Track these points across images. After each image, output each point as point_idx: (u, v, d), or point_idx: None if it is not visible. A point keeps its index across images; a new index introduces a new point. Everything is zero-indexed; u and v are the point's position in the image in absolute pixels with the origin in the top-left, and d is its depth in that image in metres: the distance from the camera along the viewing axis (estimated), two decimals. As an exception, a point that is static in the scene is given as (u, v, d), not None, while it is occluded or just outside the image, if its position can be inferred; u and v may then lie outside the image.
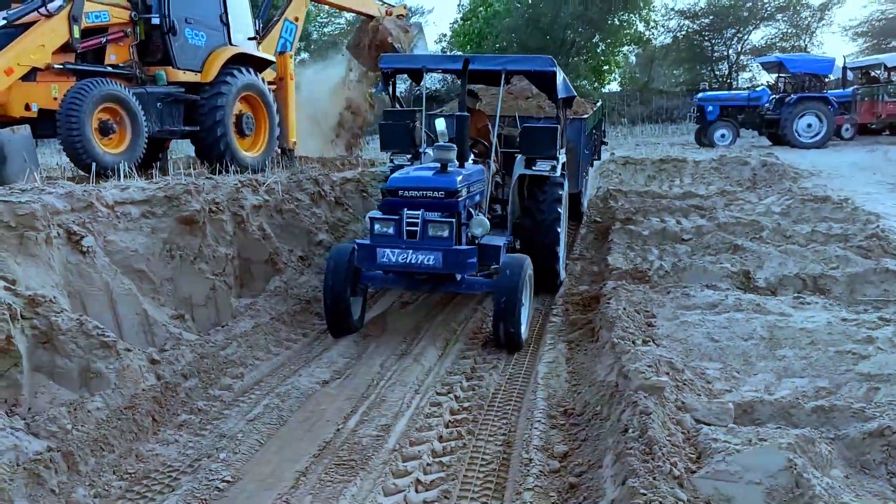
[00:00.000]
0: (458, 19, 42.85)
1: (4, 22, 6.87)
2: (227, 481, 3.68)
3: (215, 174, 7.84)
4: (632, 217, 9.97)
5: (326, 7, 35.19)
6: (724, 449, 3.22)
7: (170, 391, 4.55)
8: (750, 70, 37.83)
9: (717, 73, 37.94)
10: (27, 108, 7.00)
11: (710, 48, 37.67)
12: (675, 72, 40.23)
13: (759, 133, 20.65)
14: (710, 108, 19.47)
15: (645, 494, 2.87)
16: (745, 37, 36.66)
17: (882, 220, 8.84)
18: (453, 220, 5.56)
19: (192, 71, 8.54)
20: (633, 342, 4.77)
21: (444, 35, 43.03)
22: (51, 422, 3.75)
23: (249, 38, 9.68)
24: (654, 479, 2.98)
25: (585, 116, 10.04)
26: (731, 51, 37.13)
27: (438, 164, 5.92)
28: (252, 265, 6.82)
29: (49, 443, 3.63)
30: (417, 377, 5.11)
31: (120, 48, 7.99)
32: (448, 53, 36.95)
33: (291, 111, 10.33)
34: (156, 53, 8.32)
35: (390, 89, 7.65)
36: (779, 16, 36.38)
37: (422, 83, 7.60)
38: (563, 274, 7.77)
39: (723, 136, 19.21)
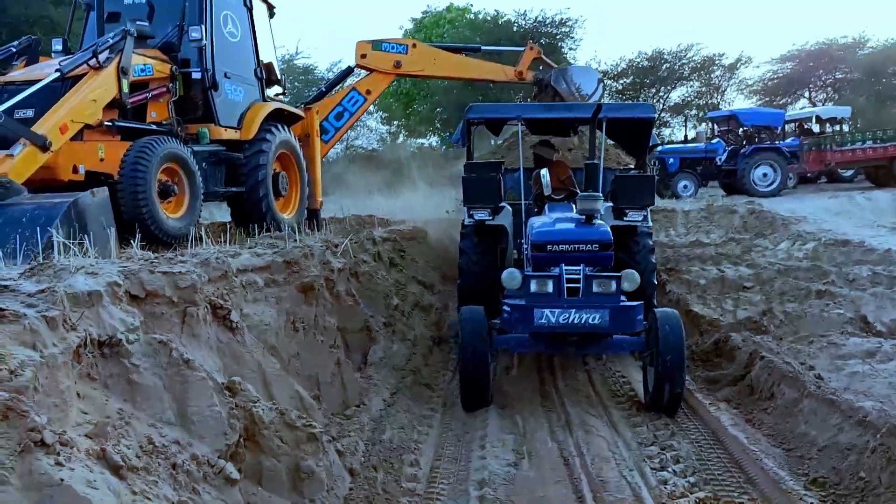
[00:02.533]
0: (384, 80, 43.16)
1: (58, 74, 6.08)
2: None
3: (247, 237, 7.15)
4: (672, 267, 9.85)
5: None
6: None
7: (371, 487, 3.86)
8: (670, 126, 39.74)
9: (640, 129, 39.54)
10: (75, 170, 6.20)
11: (632, 106, 39.32)
12: (598, 128, 41.63)
13: (704, 183, 21.33)
14: (671, 160, 19.99)
15: None
16: (665, 95, 38.51)
17: (920, 261, 9.04)
18: (619, 274, 5.16)
19: (232, 128, 7.91)
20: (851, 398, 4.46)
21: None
22: (297, 542, 3.03)
23: (277, 94, 9.16)
24: None
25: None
26: (653, 108, 38.83)
27: (579, 216, 5.54)
28: (348, 335, 6.15)
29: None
30: (611, 450, 4.60)
31: (160, 105, 7.28)
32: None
33: (318, 169, 9.74)
34: (194, 110, 7.65)
35: (469, 140, 7.27)
36: (694, 76, 38.55)
37: (503, 134, 7.25)
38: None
39: (685, 186, 19.72)
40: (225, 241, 6.32)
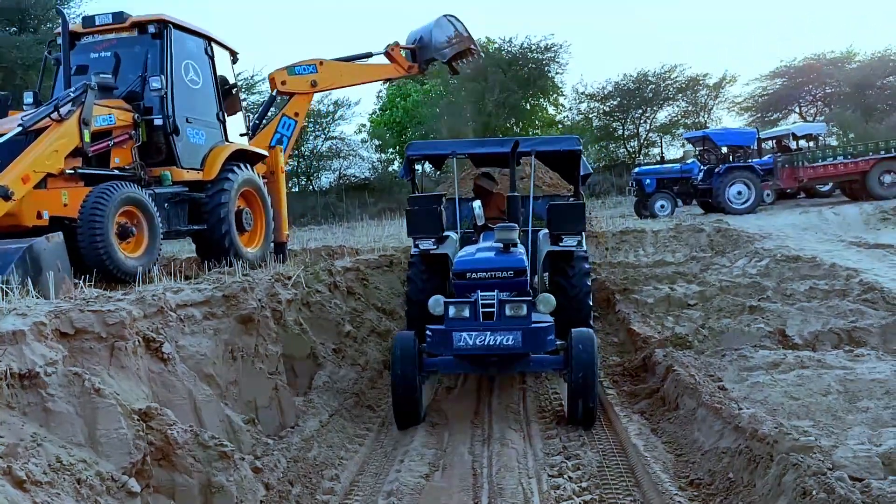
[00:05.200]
0: (377, 110, 44.01)
1: (20, 129, 6.59)
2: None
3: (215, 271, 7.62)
4: (627, 287, 10.24)
5: (245, 105, 35.80)
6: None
7: (284, 500, 4.26)
8: (657, 146, 40.25)
9: (629, 149, 40.12)
10: (39, 216, 6.68)
11: (620, 127, 39.94)
12: (589, 149, 42.30)
13: (684, 202, 21.89)
14: (648, 180, 20.50)
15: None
16: (652, 116, 39.12)
17: (861, 274, 9.41)
18: (530, 298, 5.59)
19: (195, 170, 8.40)
20: (738, 406, 4.85)
21: (364, 126, 43.89)
22: (198, 547, 3.45)
23: (241, 135, 9.66)
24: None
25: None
26: (640, 129, 39.45)
27: (499, 245, 5.98)
28: (294, 362, 6.58)
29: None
30: (518, 461, 4.99)
31: (123, 151, 7.79)
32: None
33: (283, 204, 10.22)
34: (157, 154, 8.16)
35: (412, 175, 7.74)
36: (679, 96, 39.17)
37: (445, 167, 7.72)
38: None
39: (662, 206, 20.20)
40: (179, 277, 6.80)
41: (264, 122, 11.42)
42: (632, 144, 40.26)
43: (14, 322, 3.64)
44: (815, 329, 7.03)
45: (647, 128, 39.49)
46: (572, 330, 5.91)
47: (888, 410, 4.96)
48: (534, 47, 35.82)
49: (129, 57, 8.32)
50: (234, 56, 9.67)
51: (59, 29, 7.99)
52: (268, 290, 6.52)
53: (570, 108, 40.33)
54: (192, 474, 3.91)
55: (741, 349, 6.51)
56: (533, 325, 5.52)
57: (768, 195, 21.57)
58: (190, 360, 5.00)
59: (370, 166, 38.50)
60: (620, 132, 40.00)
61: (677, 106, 39.68)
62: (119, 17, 8.29)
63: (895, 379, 5.38)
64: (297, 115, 11.13)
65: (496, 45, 37.02)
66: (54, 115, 6.84)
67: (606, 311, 9.79)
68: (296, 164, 36.23)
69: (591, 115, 39.58)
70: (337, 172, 36.71)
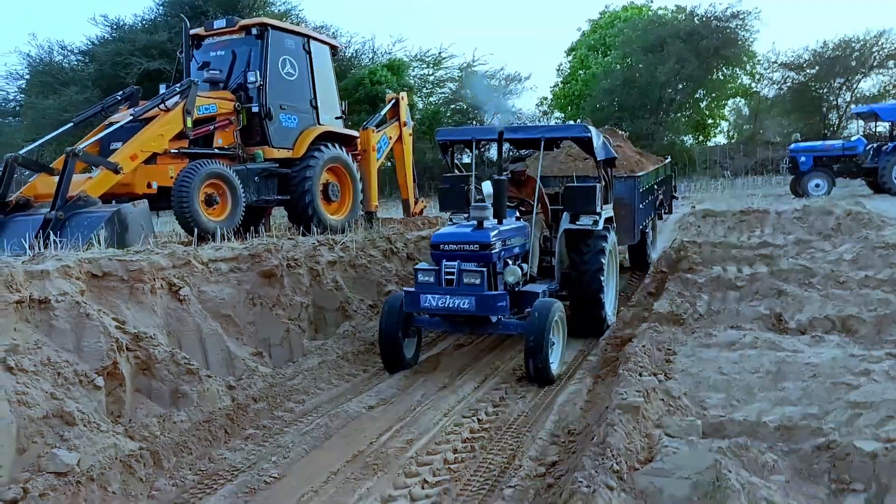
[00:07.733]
0: (559, 83, 44.32)
1: (131, 118, 8.42)
2: (274, 477, 4.57)
3: (304, 235, 9.06)
4: (694, 266, 10.32)
5: (431, 79, 37.73)
6: (668, 453, 3.78)
7: (241, 410, 5.53)
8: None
9: (828, 122, 36.82)
10: (149, 185, 8.48)
11: (818, 98, 36.73)
12: (784, 122, 39.39)
13: (833, 182, 20.20)
14: (803, 158, 19.29)
15: (583, 482, 3.50)
16: (855, 85, 35.56)
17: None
18: (485, 269, 6.36)
19: (286, 149, 9.91)
20: (640, 374, 5.33)
21: (546, 98, 44.45)
22: (143, 428, 4.81)
23: (337, 118, 11.04)
24: (595, 472, 3.60)
25: (640, 174, 10.62)
26: (840, 100, 36.05)
27: (474, 222, 6.77)
28: (325, 312, 7.85)
29: (141, 444, 4.66)
30: (450, 404, 5.85)
31: (226, 133, 9.45)
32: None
33: (374, 179, 11.55)
34: (255, 136, 9.75)
35: (449, 158, 8.63)
36: (890, 63, 35.14)
37: (474, 151, 8.51)
38: (611, 319, 8.33)
39: (817, 185, 18.96)
40: (241, 237, 8.30)
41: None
42: (831, 116, 36.91)
43: (48, 265, 5.19)
44: (817, 315, 6.98)
45: (849, 99, 35.95)
46: (538, 300, 6.56)
47: (800, 391, 5.16)
48: (717, 16, 34.08)
49: (240, 54, 9.98)
50: (334, 50, 11.05)
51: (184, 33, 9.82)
52: (307, 253, 7.82)
53: (762, 78, 37.81)
54: (165, 382, 5.28)
55: (712, 328, 6.73)
56: (486, 293, 6.29)
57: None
58: (209, 302, 6.42)
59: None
60: (818, 103, 36.81)
61: (887, 74, 35.65)
62: (231, 21, 9.97)
63: (829, 364, 5.47)
64: (391, 139, 12.53)
65: (681, 17, 35.70)
66: (161, 106, 8.61)
67: (663, 289, 9.98)
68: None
69: (784, 86, 36.82)
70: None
